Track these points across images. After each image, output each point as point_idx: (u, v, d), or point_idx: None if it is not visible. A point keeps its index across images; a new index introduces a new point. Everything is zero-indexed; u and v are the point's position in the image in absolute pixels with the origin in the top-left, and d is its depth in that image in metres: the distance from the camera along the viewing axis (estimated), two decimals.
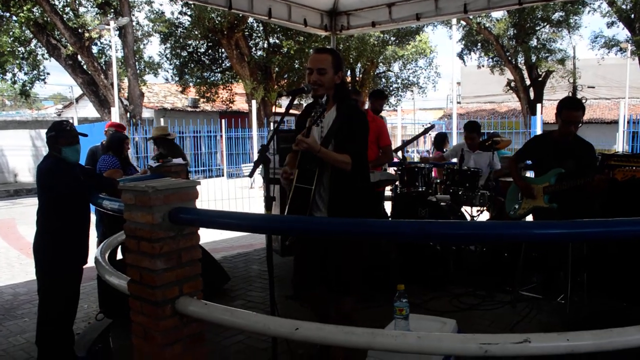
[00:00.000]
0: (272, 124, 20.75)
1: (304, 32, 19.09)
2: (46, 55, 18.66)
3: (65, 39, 16.57)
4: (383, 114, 6.40)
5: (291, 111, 32.49)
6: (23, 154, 21.73)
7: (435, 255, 5.14)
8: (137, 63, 18.43)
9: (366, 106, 6.43)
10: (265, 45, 22.34)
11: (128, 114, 17.02)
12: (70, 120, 9.75)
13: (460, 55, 26.19)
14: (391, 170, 6.24)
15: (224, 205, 10.75)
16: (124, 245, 4.82)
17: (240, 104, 25.66)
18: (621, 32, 31.26)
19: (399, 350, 2.01)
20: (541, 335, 1.94)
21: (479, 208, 5.63)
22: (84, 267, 3.91)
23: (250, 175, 2.59)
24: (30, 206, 15.12)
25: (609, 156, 4.73)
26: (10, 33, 17.30)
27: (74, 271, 3.73)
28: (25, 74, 18.98)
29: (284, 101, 28.46)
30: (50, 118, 25.29)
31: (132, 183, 2.60)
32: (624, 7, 21.00)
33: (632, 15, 20.95)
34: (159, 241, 2.43)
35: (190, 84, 22.86)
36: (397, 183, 5.69)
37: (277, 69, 21.66)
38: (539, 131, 11.55)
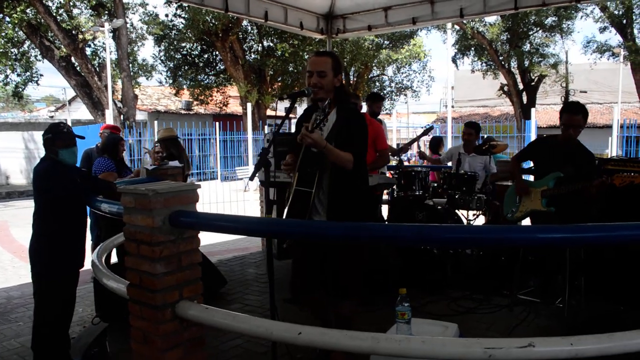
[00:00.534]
0: (266, 127, 20.75)
1: (299, 35, 19.19)
2: (39, 57, 18.58)
3: (59, 41, 16.51)
4: (379, 117, 6.41)
5: (283, 114, 32.54)
6: (15, 156, 21.60)
7: (433, 259, 5.13)
8: (130, 65, 18.37)
9: (364, 109, 6.43)
10: (260, 48, 22.34)
11: (122, 117, 16.95)
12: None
13: (454, 60, 26.29)
14: (388, 173, 6.24)
15: (218, 208, 10.68)
16: (119, 248, 4.84)
17: (233, 107, 25.63)
18: (613, 38, 31.54)
19: (403, 355, 2.00)
20: (545, 339, 1.93)
21: (474, 212, 5.64)
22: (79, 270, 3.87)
23: (251, 178, 2.58)
24: (22, 209, 15.02)
25: (605, 160, 4.75)
26: (3, 34, 17.19)
27: (70, 274, 3.70)
28: (18, 75, 18.90)
29: (279, 104, 28.49)
30: (42, 120, 25.21)
31: (132, 186, 2.58)
32: (616, 12, 21.14)
33: (624, 21, 21.09)
34: (159, 245, 2.41)
35: (184, 87, 22.80)
36: (394, 187, 5.69)
37: (271, 72, 21.68)
38: (533, 135, 11.60)
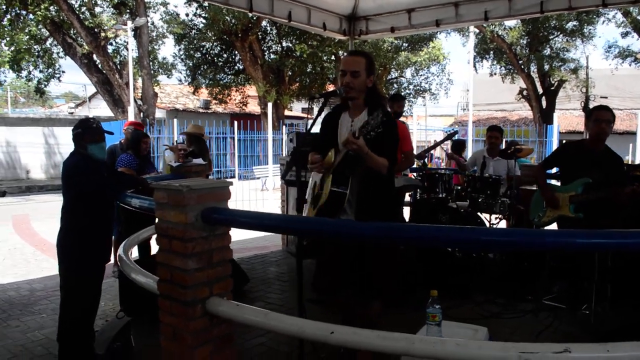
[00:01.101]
0: (284, 127, 20.79)
1: (317, 36, 19.21)
2: (61, 54, 18.80)
3: (81, 38, 16.70)
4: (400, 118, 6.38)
5: (301, 115, 32.32)
6: (35, 150, 21.86)
7: (456, 262, 5.10)
8: (151, 63, 18.52)
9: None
10: (279, 49, 22.38)
11: (142, 114, 17.10)
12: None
13: (473, 63, 26.09)
14: (411, 175, 6.22)
15: (237, 207, 10.66)
16: (140, 244, 4.87)
17: (251, 107, 25.70)
18: (635, 43, 31.13)
19: (437, 357, 1.98)
20: (581, 345, 1.90)
21: (497, 216, 5.59)
22: None
23: (283, 177, 2.58)
24: (42, 203, 15.23)
25: (634, 167, 4.69)
26: (27, 31, 17.42)
27: (99, 269, 3.73)
28: (41, 71, 19.11)
29: (296, 104, 28.53)
30: (62, 116, 25.51)
31: (165, 182, 2.59)
32: (639, 17, 20.87)
33: None
34: (192, 241, 2.41)
35: (203, 86, 22.92)
36: (417, 189, 5.68)
37: (289, 72, 21.70)
38: (555, 140, 11.49)
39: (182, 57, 22.46)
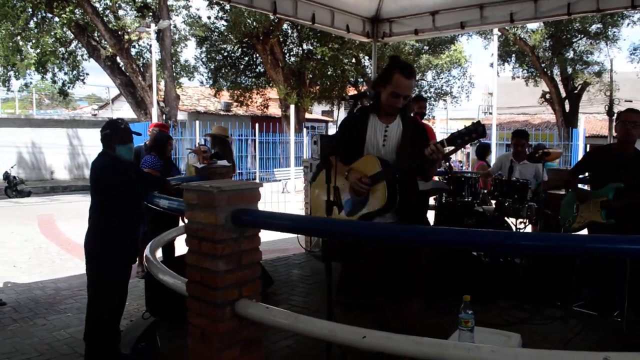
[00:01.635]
0: (305, 129, 20.80)
1: (338, 39, 19.18)
2: (85, 56, 19.04)
3: (105, 41, 16.90)
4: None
5: (321, 117, 32.25)
6: (60, 152, 22.20)
7: (483, 267, 5.03)
8: (173, 66, 18.68)
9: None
10: (300, 52, 22.41)
11: (164, 116, 17.24)
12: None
13: (496, 67, 25.83)
14: (435, 178, 6.15)
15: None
16: (165, 245, 4.88)
17: (272, 109, 25.77)
18: None
19: None
20: (621, 354, 1.84)
21: (521, 220, 5.51)
22: None
23: (313, 179, 2.55)
24: (67, 203, 15.43)
25: None
26: (52, 33, 17.68)
27: (126, 269, 3.75)
28: (65, 74, 19.37)
29: (316, 107, 28.55)
30: (86, 118, 25.85)
31: (195, 183, 2.59)
32: None
33: None
34: (222, 242, 2.40)
35: (224, 88, 23.04)
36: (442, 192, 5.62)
37: (310, 75, 21.70)
38: (581, 144, 11.31)
39: (204, 59, 22.61)
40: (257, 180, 18.95)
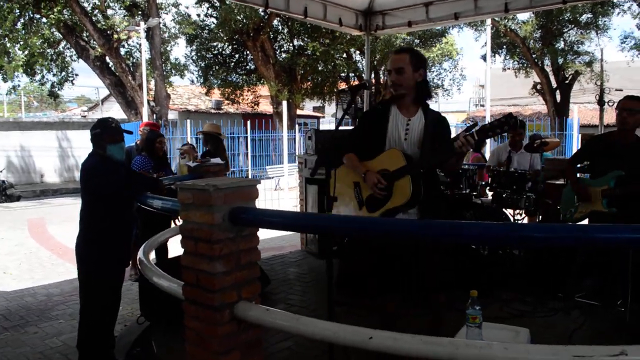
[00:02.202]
0: (297, 125, 20.70)
1: (329, 34, 19.08)
2: (74, 57, 18.85)
3: (94, 41, 16.72)
4: None
5: (312, 114, 32.12)
6: (49, 154, 21.93)
7: (482, 259, 4.96)
8: (163, 65, 18.52)
9: None
10: (290, 48, 22.29)
11: (154, 115, 17.09)
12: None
13: (485, 58, 25.81)
14: None
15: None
16: (158, 247, 4.78)
17: (263, 106, 25.63)
18: None
19: None
20: (638, 347, 1.78)
21: (519, 211, 5.46)
22: None
23: (312, 174, 2.47)
24: (57, 206, 15.25)
25: None
26: (40, 34, 17.48)
27: (119, 273, 3.65)
28: (54, 75, 19.17)
29: (307, 103, 28.40)
30: (76, 119, 25.60)
31: (190, 181, 2.49)
32: None
33: None
34: (219, 242, 2.30)
35: (215, 86, 22.87)
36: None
37: (302, 71, 21.57)
38: (575, 133, 11.29)
39: (194, 58, 22.44)
40: (250, 178, 18.84)
